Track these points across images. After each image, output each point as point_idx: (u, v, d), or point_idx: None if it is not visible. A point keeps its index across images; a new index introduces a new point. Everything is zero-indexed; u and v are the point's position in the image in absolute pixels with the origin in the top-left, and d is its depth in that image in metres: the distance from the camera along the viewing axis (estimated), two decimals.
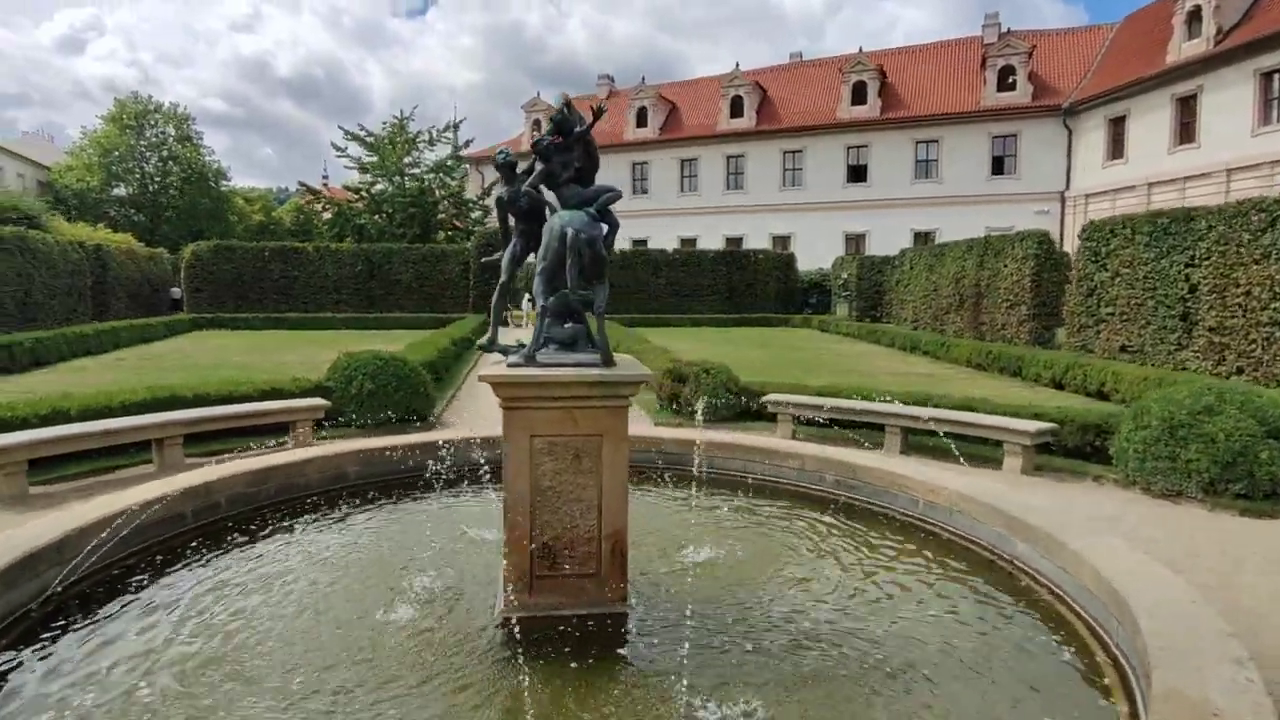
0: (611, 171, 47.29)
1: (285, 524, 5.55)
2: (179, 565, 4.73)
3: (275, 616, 4.10)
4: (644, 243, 44.91)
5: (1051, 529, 4.54)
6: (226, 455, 6.63)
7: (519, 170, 4.40)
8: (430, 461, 6.26)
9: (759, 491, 6.56)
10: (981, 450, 8.40)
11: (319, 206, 43.95)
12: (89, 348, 17.64)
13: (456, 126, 42.38)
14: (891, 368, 17.02)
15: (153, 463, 7.28)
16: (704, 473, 7.05)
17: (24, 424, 6.97)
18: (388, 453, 6.64)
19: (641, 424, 10.43)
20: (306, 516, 5.72)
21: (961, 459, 8.40)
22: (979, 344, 17.58)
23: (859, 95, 42.46)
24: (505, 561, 4.04)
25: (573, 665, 3.63)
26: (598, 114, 4.11)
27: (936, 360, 18.67)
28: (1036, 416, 8.19)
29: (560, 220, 3.89)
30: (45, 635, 3.79)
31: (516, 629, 3.83)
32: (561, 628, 3.92)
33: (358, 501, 6.11)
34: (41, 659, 3.59)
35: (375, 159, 40.62)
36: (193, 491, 5.32)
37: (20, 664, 3.53)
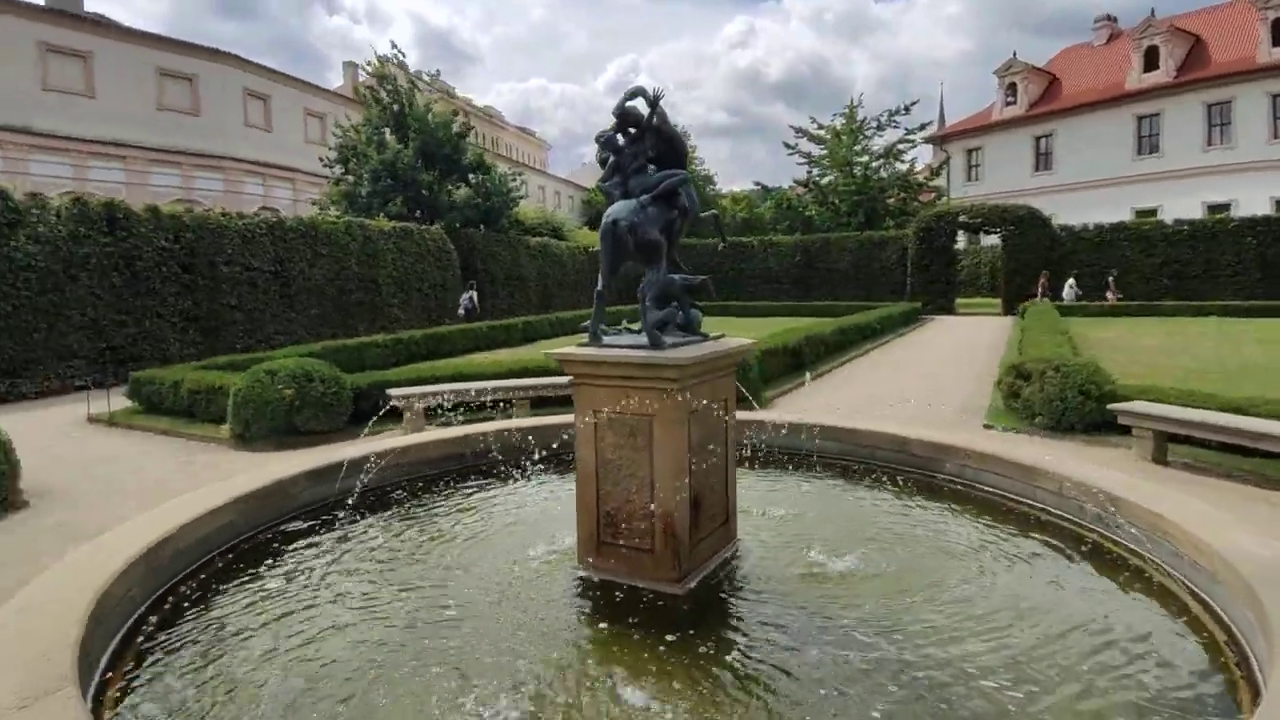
0: (1106, 130, 39.72)
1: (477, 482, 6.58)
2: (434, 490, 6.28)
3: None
4: (1153, 212, 36.69)
5: None
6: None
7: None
8: None
9: (991, 510, 5.39)
10: None
11: (769, 202, 47.48)
12: (565, 329, 22.65)
13: (907, 109, 40.63)
14: None
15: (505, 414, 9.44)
16: (945, 484, 6.09)
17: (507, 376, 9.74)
18: None
19: (968, 427, 9.18)
20: (516, 473, 6.64)
21: None
22: None
23: None
24: (577, 525, 4.43)
25: (601, 626, 3.85)
26: (655, 101, 4.14)
27: None
28: None
29: (607, 213, 4.07)
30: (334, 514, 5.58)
31: (581, 586, 4.23)
32: (616, 594, 4.14)
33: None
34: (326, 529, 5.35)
35: (824, 151, 41.55)
36: (455, 440, 6.86)
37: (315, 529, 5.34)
